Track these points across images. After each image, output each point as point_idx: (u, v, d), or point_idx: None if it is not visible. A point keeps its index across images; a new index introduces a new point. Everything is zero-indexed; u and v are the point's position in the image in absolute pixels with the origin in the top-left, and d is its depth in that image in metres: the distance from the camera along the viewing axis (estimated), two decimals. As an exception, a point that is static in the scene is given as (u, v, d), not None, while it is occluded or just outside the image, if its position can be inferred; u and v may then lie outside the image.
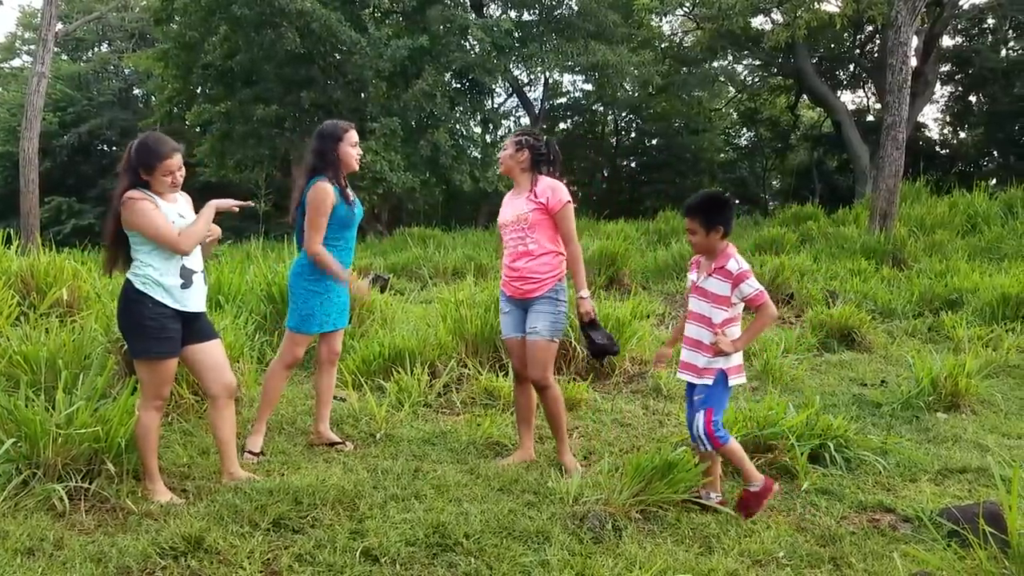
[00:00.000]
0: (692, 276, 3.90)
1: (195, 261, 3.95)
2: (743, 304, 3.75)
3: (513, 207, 4.39)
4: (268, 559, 3.25)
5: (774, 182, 35.83)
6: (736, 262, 3.69)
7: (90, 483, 3.82)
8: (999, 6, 23.84)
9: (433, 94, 20.46)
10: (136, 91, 36.07)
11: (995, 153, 29.02)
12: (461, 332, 6.29)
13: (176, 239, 3.78)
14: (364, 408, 5.24)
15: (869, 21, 23.18)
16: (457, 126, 22.89)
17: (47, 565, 3.17)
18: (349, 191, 4.58)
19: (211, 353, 3.98)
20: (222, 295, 6.85)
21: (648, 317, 8.26)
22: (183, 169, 3.92)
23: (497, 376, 5.86)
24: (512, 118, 31.41)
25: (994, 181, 23.40)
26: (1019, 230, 12.90)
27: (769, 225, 16.03)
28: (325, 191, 4.39)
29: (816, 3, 21.53)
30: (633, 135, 34.54)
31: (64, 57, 34.83)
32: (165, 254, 3.82)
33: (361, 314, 7.19)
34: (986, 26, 26.37)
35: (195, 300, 3.91)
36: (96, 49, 36.72)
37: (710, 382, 3.72)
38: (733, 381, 3.76)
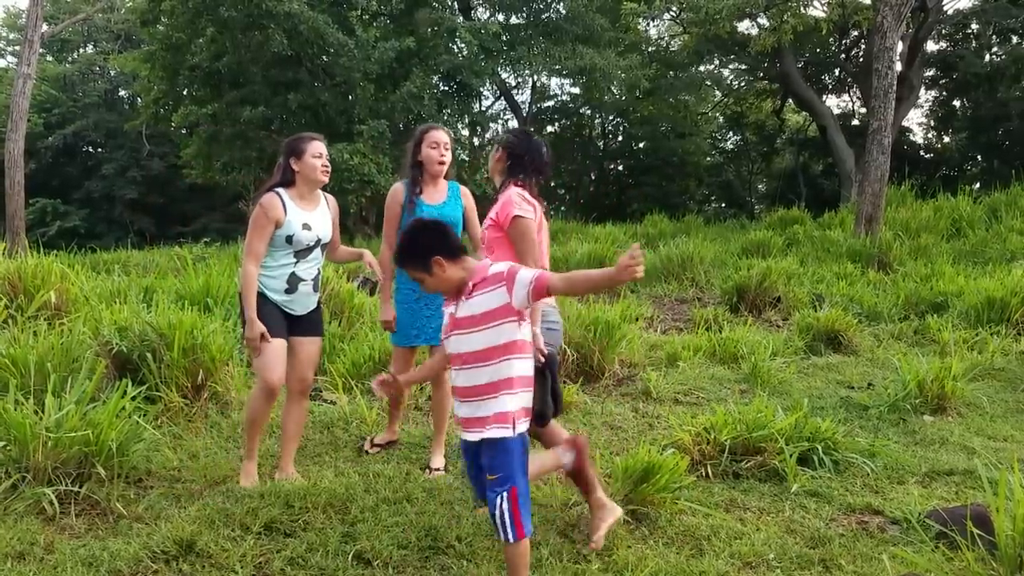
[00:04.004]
0: (448, 311, 3.03)
1: (308, 270, 4.13)
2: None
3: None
4: (260, 563, 3.26)
5: (760, 186, 35.99)
6: (496, 266, 2.95)
7: (80, 487, 3.80)
8: (983, 12, 24.05)
9: (421, 96, 20.43)
10: (122, 93, 35.90)
11: (979, 157, 29.25)
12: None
13: (248, 263, 3.96)
14: (354, 411, 5.24)
15: (855, 26, 23.37)
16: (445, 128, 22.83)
17: (38, 569, 3.16)
18: (441, 192, 4.52)
19: (301, 347, 4.17)
20: (211, 297, 6.84)
21: (637, 320, 8.30)
22: (328, 158, 4.19)
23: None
24: (500, 121, 31.45)
25: (978, 185, 23.56)
26: (1003, 234, 13.00)
27: (755, 229, 16.10)
28: (391, 193, 4.50)
29: (802, 8, 21.67)
30: (620, 138, 34.61)
31: (49, 58, 34.65)
32: (278, 260, 4.03)
33: (350, 317, 7.20)
34: (970, 31, 26.59)
35: (300, 304, 4.13)
36: (82, 50, 36.56)
37: (507, 432, 2.87)
38: (523, 426, 2.95)
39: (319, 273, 4.23)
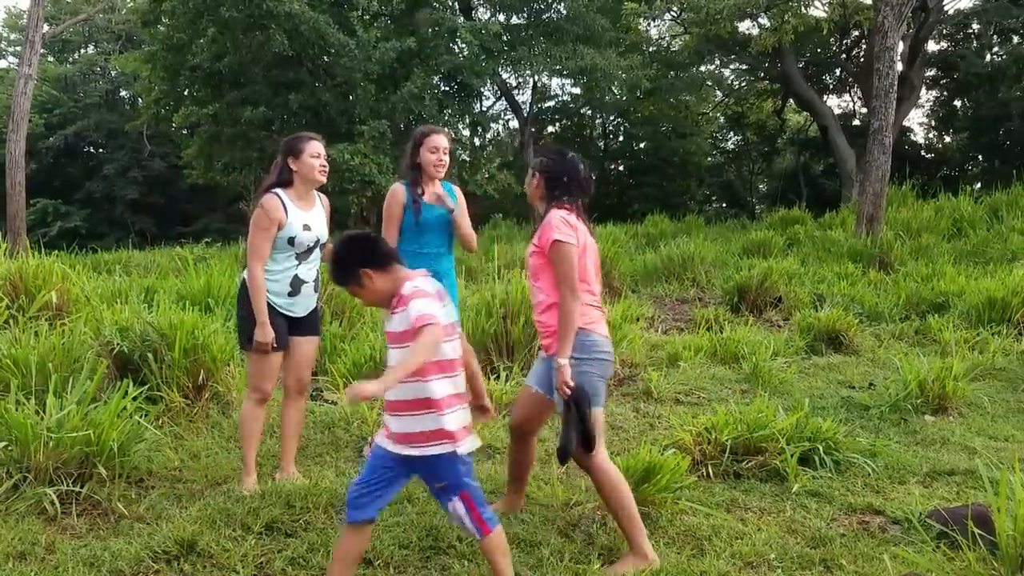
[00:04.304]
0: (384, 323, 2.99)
1: (309, 272, 4.12)
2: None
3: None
4: (261, 563, 3.26)
5: (761, 186, 35.99)
6: (414, 284, 2.86)
7: (81, 487, 3.81)
8: (984, 12, 24.04)
9: (421, 96, 20.43)
10: (123, 93, 35.93)
11: (980, 157, 29.26)
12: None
13: (254, 265, 3.94)
14: (355, 411, 5.24)
15: (855, 26, 23.35)
16: (445, 129, 22.85)
17: (39, 569, 3.17)
18: (440, 195, 4.47)
19: (300, 347, 4.18)
20: (212, 298, 6.85)
21: (638, 320, 8.30)
22: (326, 157, 4.18)
23: (489, 379, 5.87)
24: (500, 121, 31.47)
25: (979, 185, 23.57)
26: (1004, 234, 12.99)
27: (756, 229, 16.10)
28: (391, 193, 4.48)
29: (803, 8, 21.66)
30: (621, 139, 34.63)
31: (50, 59, 34.67)
32: (280, 263, 4.02)
33: (351, 317, 7.20)
34: (971, 31, 26.58)
35: (302, 306, 4.12)
36: (83, 51, 36.56)
37: (446, 448, 2.83)
38: (464, 447, 2.89)
39: (319, 273, 4.23)
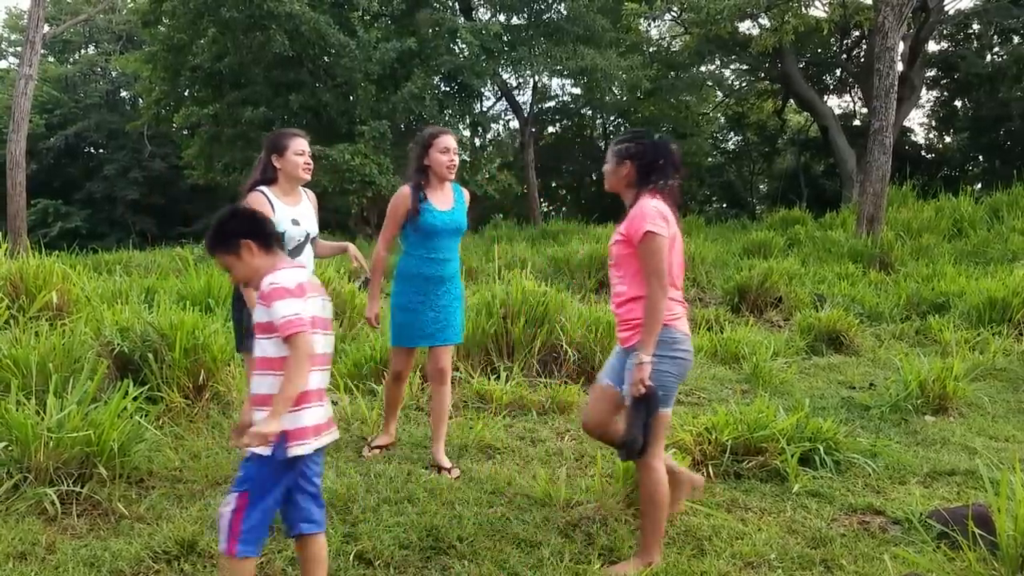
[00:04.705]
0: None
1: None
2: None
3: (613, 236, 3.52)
4: (262, 563, 3.25)
5: (761, 186, 35.99)
6: (273, 278, 2.73)
7: (82, 487, 3.81)
8: (984, 12, 24.03)
9: (422, 97, 20.43)
10: (123, 93, 35.93)
11: (980, 157, 29.25)
12: (452, 336, 6.29)
13: None
14: (355, 412, 5.24)
15: (856, 26, 23.35)
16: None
17: (39, 569, 3.17)
18: (447, 199, 4.41)
19: None
20: (212, 298, 6.85)
21: (638, 320, 8.28)
22: (310, 154, 4.16)
23: (489, 380, 5.87)
24: (501, 121, 31.47)
25: (979, 185, 23.58)
26: (1004, 234, 13.01)
27: (757, 229, 16.10)
28: (397, 196, 4.36)
29: (803, 8, 21.66)
30: (622, 139, 34.60)
31: (51, 59, 34.67)
32: None
33: (352, 318, 7.20)
34: (971, 31, 26.58)
35: None
36: (83, 51, 36.56)
37: (267, 451, 2.65)
38: (295, 450, 2.69)
39: (312, 270, 4.15)
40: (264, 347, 2.73)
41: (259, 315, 2.74)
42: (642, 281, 3.26)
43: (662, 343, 3.22)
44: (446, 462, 4.41)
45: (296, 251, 4.07)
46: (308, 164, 4.11)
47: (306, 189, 4.27)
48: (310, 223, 4.15)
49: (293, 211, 4.05)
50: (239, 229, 2.80)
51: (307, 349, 2.66)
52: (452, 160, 4.37)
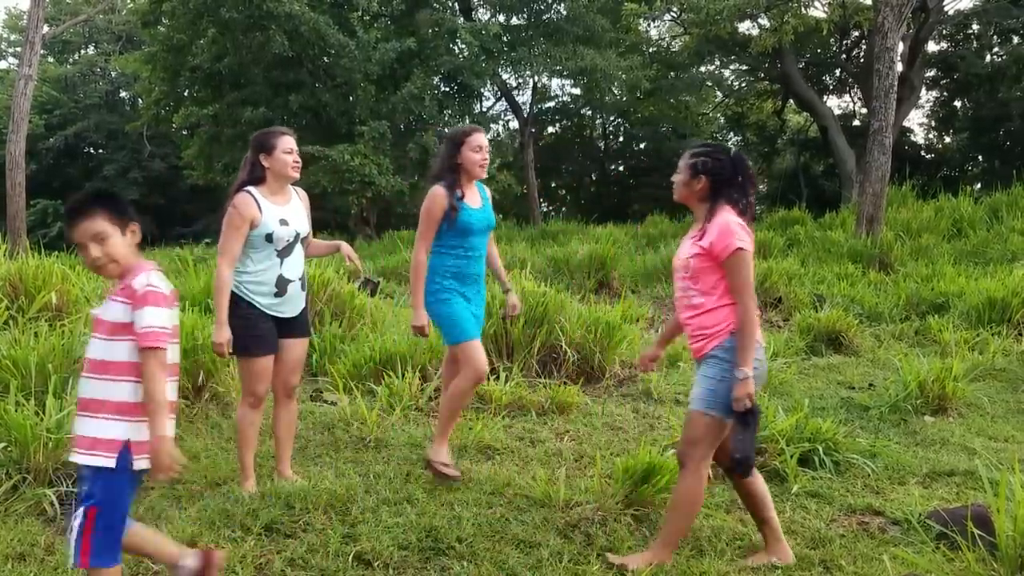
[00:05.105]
0: (95, 311, 2.73)
1: (293, 269, 4.02)
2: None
3: (684, 247, 3.52)
4: (260, 564, 3.26)
5: (761, 186, 35.93)
6: (149, 279, 2.62)
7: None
8: (984, 12, 24.03)
9: (422, 97, 20.46)
10: (123, 94, 35.91)
11: (980, 158, 29.25)
12: (451, 336, 6.28)
13: (222, 265, 3.87)
14: (355, 412, 5.24)
15: (855, 27, 23.36)
16: (446, 129, 22.91)
17: (38, 570, 3.17)
18: (476, 197, 4.31)
19: (290, 349, 4.09)
20: (211, 298, 6.83)
21: (637, 321, 8.30)
22: (297, 152, 4.08)
23: (488, 380, 5.86)
24: (500, 122, 31.48)
25: (979, 185, 23.57)
26: (1004, 234, 13.01)
27: (757, 229, 16.06)
28: (433, 196, 4.18)
29: (803, 9, 21.66)
30: (621, 139, 34.64)
31: (50, 59, 34.67)
32: (262, 263, 3.92)
33: (352, 318, 7.20)
34: (971, 32, 26.56)
35: (291, 306, 4.03)
36: (83, 51, 36.56)
37: (109, 462, 2.56)
38: (143, 463, 2.59)
39: (304, 271, 4.13)
40: (106, 348, 2.59)
41: (116, 313, 2.59)
42: (722, 293, 3.28)
43: (735, 351, 3.22)
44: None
45: (286, 251, 3.99)
46: (297, 162, 4.04)
47: (297, 188, 4.19)
48: (300, 223, 4.06)
49: (281, 211, 3.97)
50: (114, 208, 2.65)
51: (163, 361, 2.58)
52: (485, 158, 4.27)
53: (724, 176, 3.38)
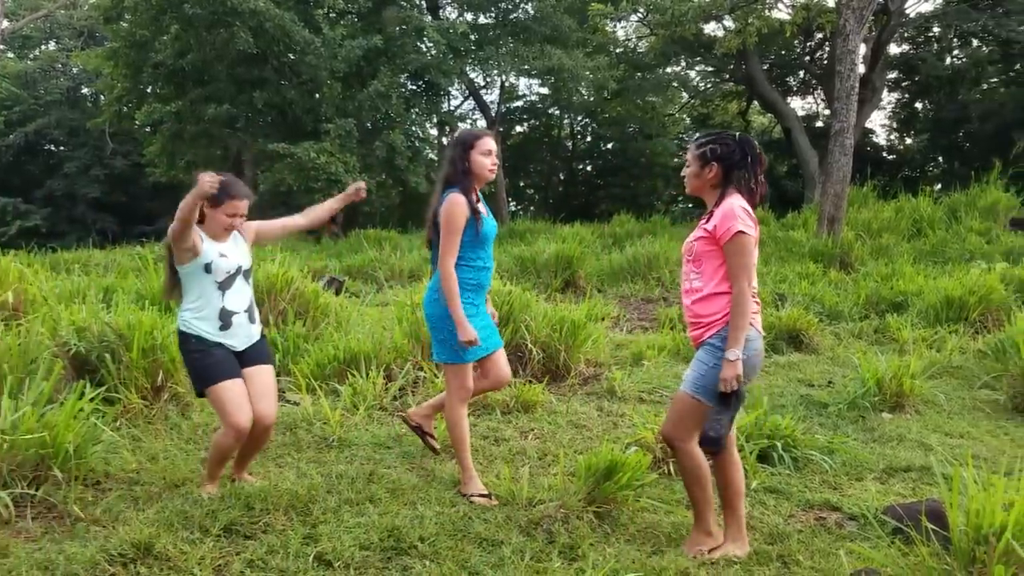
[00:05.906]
0: None
1: (236, 301, 3.89)
2: None
3: (692, 233, 3.55)
4: (219, 565, 3.23)
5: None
6: None
7: (37, 489, 3.75)
8: (944, 15, 24.43)
9: (388, 95, 20.38)
10: (84, 90, 35.31)
11: (940, 159, 29.74)
12: (417, 335, 6.28)
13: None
14: (318, 412, 5.21)
15: (819, 29, 23.63)
16: (413, 128, 22.84)
17: (-9, 574, 3.11)
18: (481, 204, 4.08)
19: (253, 378, 3.90)
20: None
21: (603, 320, 8.33)
22: (244, 218, 3.94)
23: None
24: (468, 120, 31.46)
25: (939, 186, 23.94)
26: (962, 234, 13.25)
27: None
28: (455, 204, 3.95)
29: (767, 11, 21.87)
30: (589, 139, 34.76)
31: (10, 55, 34.01)
32: (203, 295, 3.82)
33: (315, 317, 7.15)
34: (932, 34, 26.98)
35: (239, 339, 3.90)
36: (43, 47, 35.88)
37: None
38: None
39: (252, 303, 4.00)
40: None
41: None
42: (721, 279, 3.35)
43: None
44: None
45: (227, 283, 3.87)
46: (242, 216, 3.91)
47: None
48: (241, 257, 3.94)
49: (221, 246, 3.86)
50: None
51: None
52: (495, 162, 4.14)
53: (734, 160, 3.45)
